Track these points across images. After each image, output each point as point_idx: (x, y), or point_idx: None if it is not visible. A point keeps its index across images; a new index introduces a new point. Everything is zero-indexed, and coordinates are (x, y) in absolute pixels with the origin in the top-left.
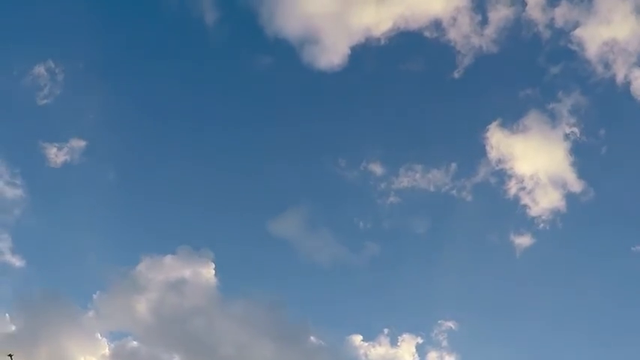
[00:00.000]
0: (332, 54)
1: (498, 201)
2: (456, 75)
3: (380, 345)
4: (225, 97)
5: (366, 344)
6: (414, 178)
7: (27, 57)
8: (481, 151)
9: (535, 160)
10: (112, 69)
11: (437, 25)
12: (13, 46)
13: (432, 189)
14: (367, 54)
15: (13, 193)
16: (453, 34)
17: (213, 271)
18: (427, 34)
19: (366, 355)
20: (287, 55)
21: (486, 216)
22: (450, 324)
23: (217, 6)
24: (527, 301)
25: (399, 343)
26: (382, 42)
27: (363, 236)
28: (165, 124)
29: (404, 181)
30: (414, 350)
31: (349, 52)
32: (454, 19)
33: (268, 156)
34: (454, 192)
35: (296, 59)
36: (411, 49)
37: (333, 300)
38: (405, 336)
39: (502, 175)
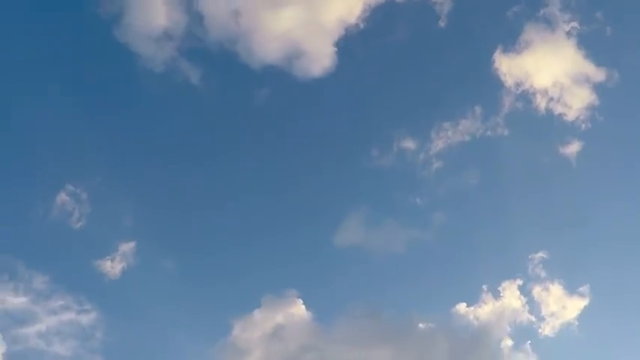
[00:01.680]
0: (319, 59)
1: (534, 121)
2: (442, 24)
3: (485, 303)
4: (239, 143)
5: (472, 308)
6: (447, 135)
7: (45, 191)
8: (497, 83)
9: (550, 68)
10: (127, 167)
11: None
12: (28, 186)
13: (467, 139)
14: (352, 44)
15: (87, 319)
16: None
17: (304, 307)
18: None
19: (476, 319)
20: (278, 78)
21: (529, 141)
22: (541, 254)
23: (196, 64)
24: (603, 203)
25: (501, 294)
26: (361, 26)
27: (424, 211)
28: (196, 195)
29: (438, 143)
30: (519, 293)
31: (335, 49)
32: None
33: (305, 177)
34: (489, 132)
35: (288, 78)
36: (390, 20)
37: (423, 282)
38: (505, 284)
39: (526, 96)
